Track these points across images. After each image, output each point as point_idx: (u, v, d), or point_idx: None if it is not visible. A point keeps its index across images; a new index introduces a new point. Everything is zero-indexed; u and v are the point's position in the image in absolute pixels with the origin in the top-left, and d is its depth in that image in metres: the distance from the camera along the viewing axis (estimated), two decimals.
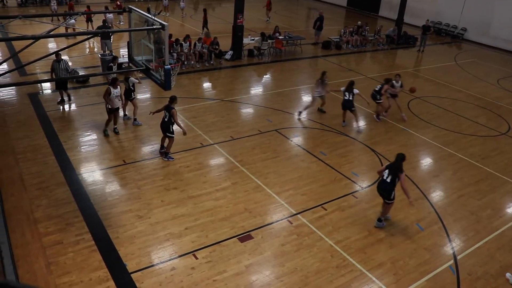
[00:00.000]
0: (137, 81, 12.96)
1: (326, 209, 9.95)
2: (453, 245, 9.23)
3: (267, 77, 19.30)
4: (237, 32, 20.03)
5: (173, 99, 11.12)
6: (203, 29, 24.41)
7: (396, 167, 8.99)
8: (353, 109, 13.90)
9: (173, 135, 11.19)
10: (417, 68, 22.54)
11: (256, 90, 17.34)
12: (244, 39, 20.83)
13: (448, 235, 9.51)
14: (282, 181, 10.89)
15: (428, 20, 26.06)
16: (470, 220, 10.14)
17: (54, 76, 13.96)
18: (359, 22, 26.02)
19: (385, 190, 9.12)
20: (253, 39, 21.68)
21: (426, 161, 12.90)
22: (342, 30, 25.08)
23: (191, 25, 26.66)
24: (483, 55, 26.65)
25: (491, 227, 9.97)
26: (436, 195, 11.05)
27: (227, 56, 20.23)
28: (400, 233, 9.42)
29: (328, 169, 11.55)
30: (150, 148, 12.01)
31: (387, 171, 9.08)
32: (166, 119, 11.08)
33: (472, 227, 9.92)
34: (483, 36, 29.14)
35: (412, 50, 26.18)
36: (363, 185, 11.15)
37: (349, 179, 11.31)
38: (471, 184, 11.67)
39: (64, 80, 14.06)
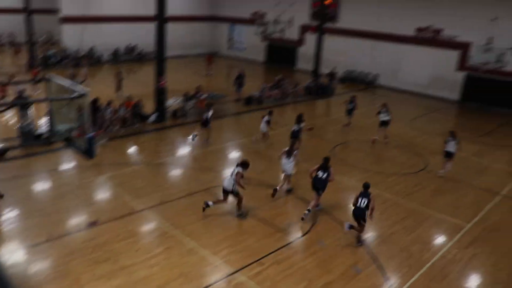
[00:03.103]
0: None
1: (263, 264, 9.85)
2: (390, 284, 9.42)
3: (193, 136, 19.32)
4: (160, 94, 20.07)
5: None
6: (116, 92, 23.98)
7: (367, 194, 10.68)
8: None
9: None
10: (334, 117, 23.52)
11: (183, 150, 17.27)
12: (168, 101, 20.87)
13: (384, 274, 9.71)
14: (217, 240, 10.70)
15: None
16: (402, 257, 10.48)
17: None
18: (278, 77, 27.11)
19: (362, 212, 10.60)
20: (176, 100, 21.75)
21: None
22: (262, 85, 25.92)
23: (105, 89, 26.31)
24: (395, 98, 28.47)
25: (422, 261, 10.35)
26: (369, 236, 11.34)
27: (152, 118, 20.11)
28: (338, 278, 9.49)
29: (261, 223, 11.52)
30: (76, 219, 11.37)
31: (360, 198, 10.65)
32: None
33: (405, 263, 10.24)
34: (394, 81, 31.59)
35: (330, 99, 27.49)
36: (298, 235, 11.22)
37: (282, 231, 11.34)
38: (398, 222, 12.15)
39: None
